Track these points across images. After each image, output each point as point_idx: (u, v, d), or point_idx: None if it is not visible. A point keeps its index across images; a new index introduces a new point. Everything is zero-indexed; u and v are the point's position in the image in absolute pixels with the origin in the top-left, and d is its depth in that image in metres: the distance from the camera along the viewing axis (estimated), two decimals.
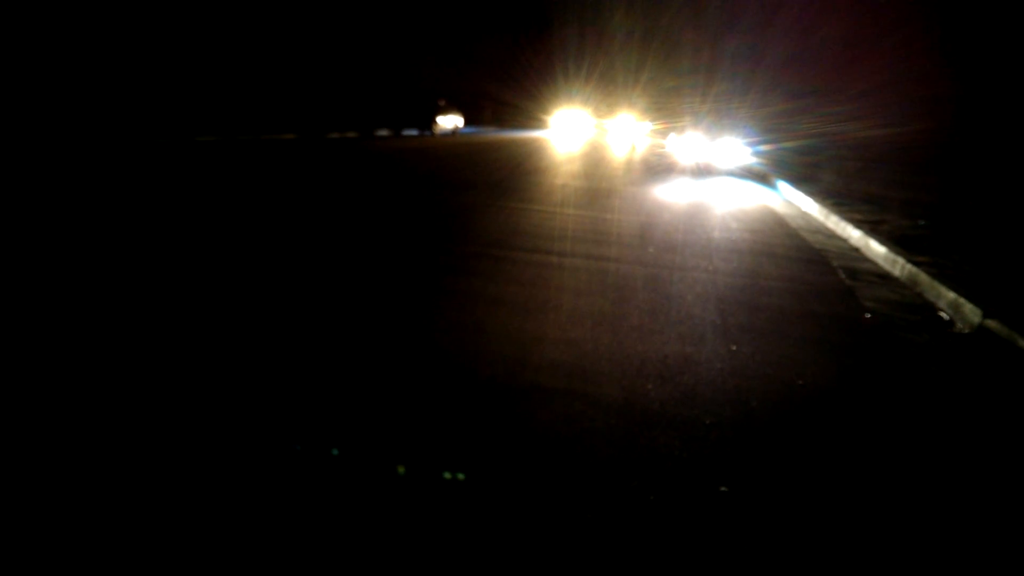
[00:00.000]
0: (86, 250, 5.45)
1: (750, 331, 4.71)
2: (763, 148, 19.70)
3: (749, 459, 2.92)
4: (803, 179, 15.92)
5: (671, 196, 12.72)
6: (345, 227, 7.22)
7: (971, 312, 5.26)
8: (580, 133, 42.81)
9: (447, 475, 2.57)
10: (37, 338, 3.60)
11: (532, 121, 45.04)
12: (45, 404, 2.89)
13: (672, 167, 19.28)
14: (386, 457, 2.65)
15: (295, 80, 24.45)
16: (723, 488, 2.66)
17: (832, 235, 9.65)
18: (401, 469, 2.57)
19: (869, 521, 2.57)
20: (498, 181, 12.85)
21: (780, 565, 2.28)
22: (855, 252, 8.34)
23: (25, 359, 3.32)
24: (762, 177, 17.58)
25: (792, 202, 13.66)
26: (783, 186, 15.22)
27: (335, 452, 2.65)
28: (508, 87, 43.61)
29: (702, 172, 18.00)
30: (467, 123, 33.78)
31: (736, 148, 18.98)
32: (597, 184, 13.88)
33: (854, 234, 8.94)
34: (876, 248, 7.84)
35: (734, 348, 4.32)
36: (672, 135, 24.88)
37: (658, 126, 39.12)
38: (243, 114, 21.07)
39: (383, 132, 25.55)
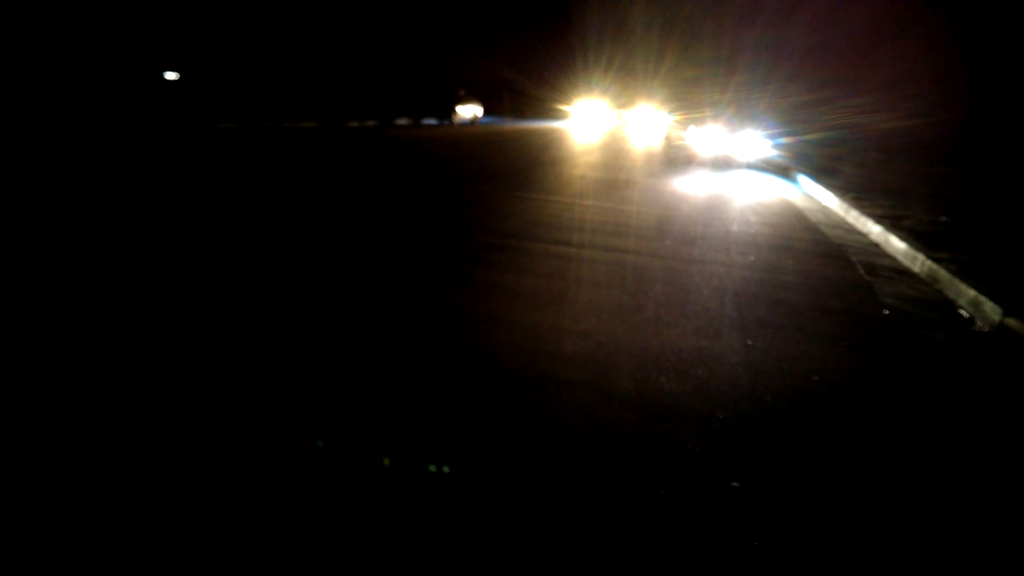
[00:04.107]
0: (102, 228, 5.53)
1: (766, 326, 4.69)
2: (784, 140, 19.51)
3: (762, 455, 2.91)
4: (824, 172, 15.76)
5: (690, 188, 12.64)
6: (363, 215, 7.26)
7: (991, 310, 5.20)
8: (599, 124, 42.61)
9: (459, 465, 2.59)
10: (76, 308, 3.66)
11: (551, 111, 44.85)
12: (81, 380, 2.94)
13: (691, 159, 19.15)
14: (399, 445, 2.68)
15: (316, 69, 24.52)
16: (735, 483, 2.66)
17: (852, 230, 9.55)
18: (415, 462, 2.60)
19: (882, 519, 2.56)
20: (516, 171, 12.83)
21: (790, 562, 2.28)
22: (875, 247, 8.26)
23: (69, 328, 3.39)
24: (782, 170, 17.42)
25: (812, 196, 13.54)
26: (803, 179, 15.08)
27: (349, 441, 2.68)
28: (528, 77, 43.42)
29: (721, 164, 17.86)
30: (486, 113, 33.72)
31: (756, 140, 18.80)
32: (616, 175, 13.83)
33: (874, 229, 8.86)
34: (896, 244, 7.76)
35: (750, 343, 4.30)
36: (692, 126, 24.68)
37: (678, 117, 38.81)
38: (263, 103, 21.17)
39: (402, 121, 25.59)
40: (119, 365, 3.21)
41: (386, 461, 2.55)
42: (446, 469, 2.55)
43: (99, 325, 3.68)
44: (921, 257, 6.89)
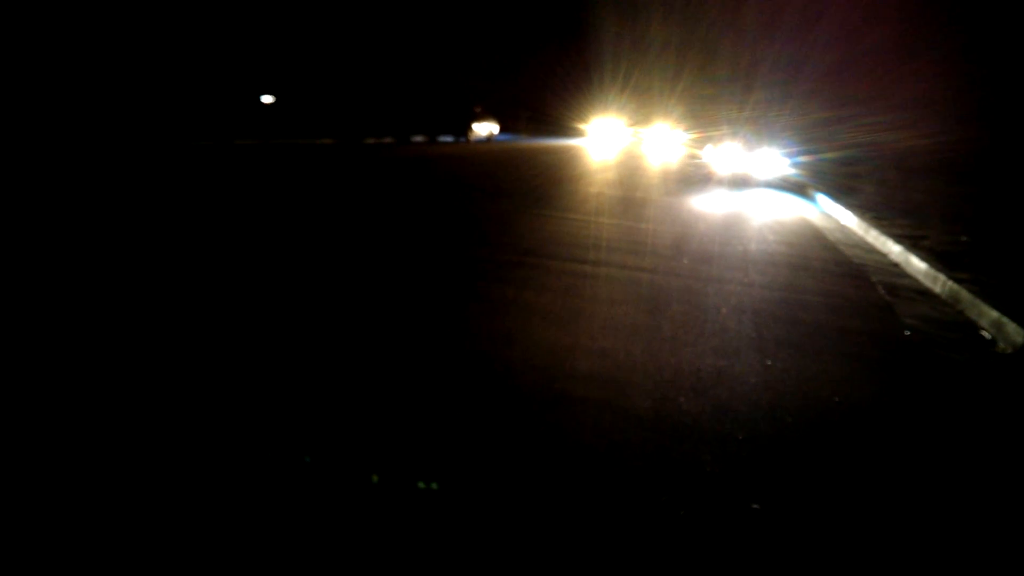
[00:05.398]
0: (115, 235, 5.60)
1: (786, 346, 4.65)
2: (802, 159, 19.41)
3: (783, 477, 2.88)
4: (842, 191, 15.67)
5: (707, 207, 12.61)
6: (382, 232, 7.29)
7: (1014, 332, 5.13)
8: (615, 142, 42.62)
9: (477, 484, 2.57)
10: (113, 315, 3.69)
11: (567, 129, 44.95)
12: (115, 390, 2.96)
13: (708, 177, 19.11)
14: (415, 463, 2.67)
15: (332, 86, 24.74)
16: (755, 505, 2.63)
17: (871, 249, 9.48)
18: (434, 484, 2.59)
19: (905, 542, 2.52)
20: (533, 189, 12.87)
21: None
22: (895, 267, 8.19)
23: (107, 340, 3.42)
24: (800, 189, 17.34)
25: (831, 215, 13.46)
26: (822, 198, 15.00)
27: (365, 457, 2.67)
28: (544, 95, 43.59)
29: (739, 183, 17.80)
30: (502, 130, 33.87)
31: (774, 159, 18.73)
32: (632, 193, 13.82)
33: (894, 249, 8.78)
34: (916, 264, 7.69)
35: (769, 363, 4.26)
36: (708, 145, 24.64)
37: (694, 135, 38.78)
38: (280, 119, 21.37)
39: (419, 138, 25.72)
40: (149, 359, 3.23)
41: (375, 478, 2.52)
42: (464, 487, 2.54)
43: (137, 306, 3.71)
44: (942, 277, 6.82)
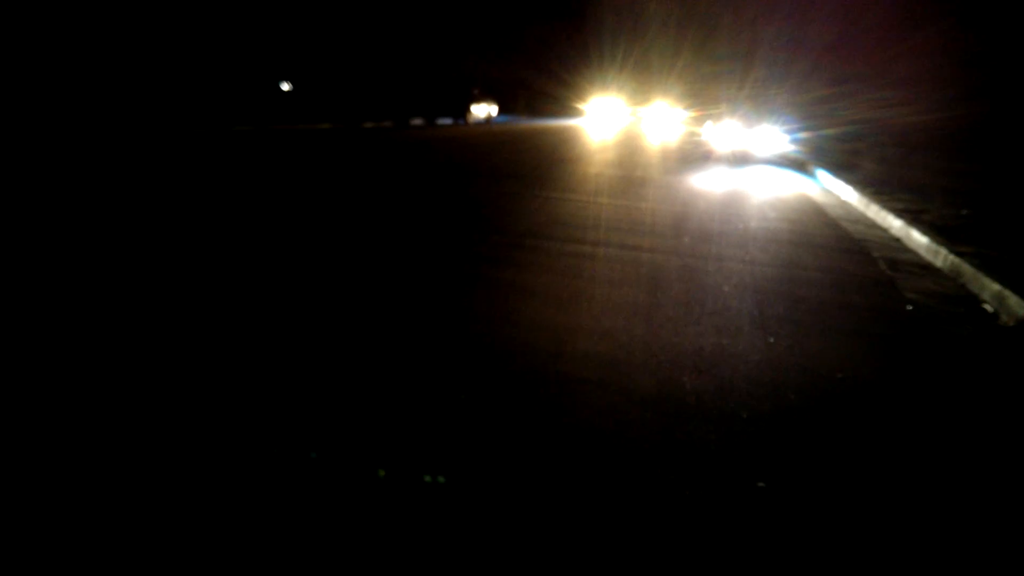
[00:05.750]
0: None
1: (788, 323, 4.65)
2: (802, 135, 19.32)
3: (787, 454, 2.88)
4: (843, 167, 15.61)
5: (707, 185, 12.57)
6: (381, 215, 7.28)
7: (1016, 304, 5.12)
8: (615, 121, 42.45)
9: (481, 467, 2.58)
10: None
11: (566, 109, 44.76)
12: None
13: (708, 155, 19.04)
14: (417, 447, 2.68)
15: (329, 70, 24.59)
16: (760, 484, 2.63)
17: (872, 225, 9.46)
18: (433, 477, 2.59)
19: (911, 519, 2.53)
20: (532, 170, 12.82)
21: (817, 563, 2.25)
22: (896, 242, 8.17)
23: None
24: (801, 165, 17.27)
25: (831, 191, 13.42)
26: (822, 174, 14.95)
27: (369, 442, 2.68)
28: (542, 76, 43.34)
29: (739, 160, 17.72)
30: (501, 112, 33.70)
31: (774, 136, 18.63)
32: (632, 173, 13.79)
33: (895, 224, 8.76)
34: (918, 238, 7.67)
35: (772, 340, 4.26)
36: (708, 122, 24.50)
37: (694, 113, 38.59)
38: (278, 104, 21.29)
39: (417, 121, 25.60)
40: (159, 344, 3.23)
41: (381, 472, 2.48)
42: (467, 468, 2.55)
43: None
44: (943, 252, 6.81)
